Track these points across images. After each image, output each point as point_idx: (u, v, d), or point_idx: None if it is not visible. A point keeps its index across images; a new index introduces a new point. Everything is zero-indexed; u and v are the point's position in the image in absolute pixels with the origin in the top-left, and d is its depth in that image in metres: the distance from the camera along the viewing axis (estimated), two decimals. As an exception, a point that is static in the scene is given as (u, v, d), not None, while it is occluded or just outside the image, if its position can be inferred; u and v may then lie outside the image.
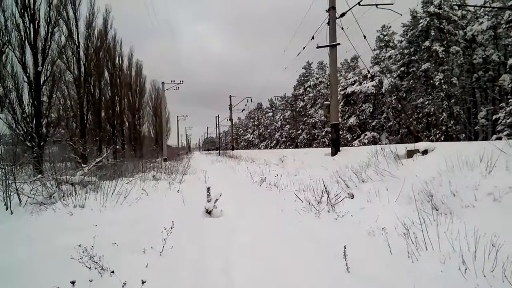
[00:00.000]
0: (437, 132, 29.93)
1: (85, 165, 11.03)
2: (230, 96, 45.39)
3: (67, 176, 8.87)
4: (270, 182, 11.22)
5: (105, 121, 26.53)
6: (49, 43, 15.44)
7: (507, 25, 25.17)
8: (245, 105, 42.86)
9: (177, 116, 59.71)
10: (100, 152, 16.29)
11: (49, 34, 15.39)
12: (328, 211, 6.64)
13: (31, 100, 14.71)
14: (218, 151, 59.21)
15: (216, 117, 62.65)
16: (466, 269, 3.45)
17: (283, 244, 5.14)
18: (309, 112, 55.43)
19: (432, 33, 30.85)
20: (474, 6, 30.04)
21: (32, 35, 14.68)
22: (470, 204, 4.99)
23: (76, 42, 20.57)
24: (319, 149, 20.56)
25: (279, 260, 4.44)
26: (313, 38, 15.17)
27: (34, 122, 14.66)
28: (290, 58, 75.40)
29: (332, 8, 14.02)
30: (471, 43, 33.67)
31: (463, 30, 33.91)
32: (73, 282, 3.04)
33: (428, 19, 31.07)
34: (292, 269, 4.15)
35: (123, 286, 3.18)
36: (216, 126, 63.68)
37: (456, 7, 31.81)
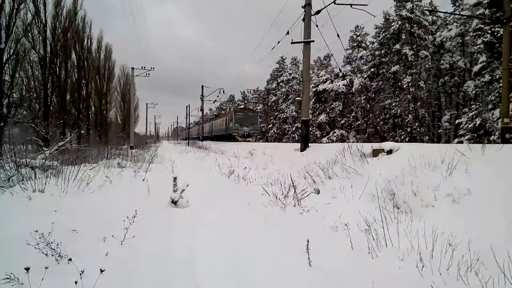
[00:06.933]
0: (402, 133, 30.85)
1: (46, 149, 10.60)
2: (202, 87, 44.80)
3: (27, 159, 8.49)
4: (239, 174, 11.19)
5: (70, 104, 25.71)
6: (14, 19, 14.79)
7: (474, 33, 26.12)
8: (217, 96, 42.29)
9: (146, 104, 58.71)
10: (63, 136, 15.72)
11: (15, 10, 14.73)
12: (294, 206, 6.69)
13: (-9, 79, 14.03)
14: (187, 141, 58.45)
15: (187, 106, 61.86)
16: (423, 266, 3.55)
17: (247, 236, 5.14)
18: (281, 107, 55.75)
19: (403, 37, 31.62)
20: (445, 12, 31.04)
21: (-5, 10, 13.95)
22: (430, 204, 5.16)
23: (43, 21, 19.78)
24: (288, 144, 20.77)
25: (241, 253, 4.44)
26: (288, 33, 15.17)
27: (-6, 101, 14.00)
28: (265, 51, 75.24)
29: (308, 5, 14.06)
30: (439, 48, 34.86)
31: (432, 36, 35.02)
32: (27, 269, 2.92)
33: (400, 22, 31.82)
34: (254, 262, 4.16)
35: (80, 274, 3.07)
36: (187, 115, 62.87)
37: (427, 12, 32.76)
